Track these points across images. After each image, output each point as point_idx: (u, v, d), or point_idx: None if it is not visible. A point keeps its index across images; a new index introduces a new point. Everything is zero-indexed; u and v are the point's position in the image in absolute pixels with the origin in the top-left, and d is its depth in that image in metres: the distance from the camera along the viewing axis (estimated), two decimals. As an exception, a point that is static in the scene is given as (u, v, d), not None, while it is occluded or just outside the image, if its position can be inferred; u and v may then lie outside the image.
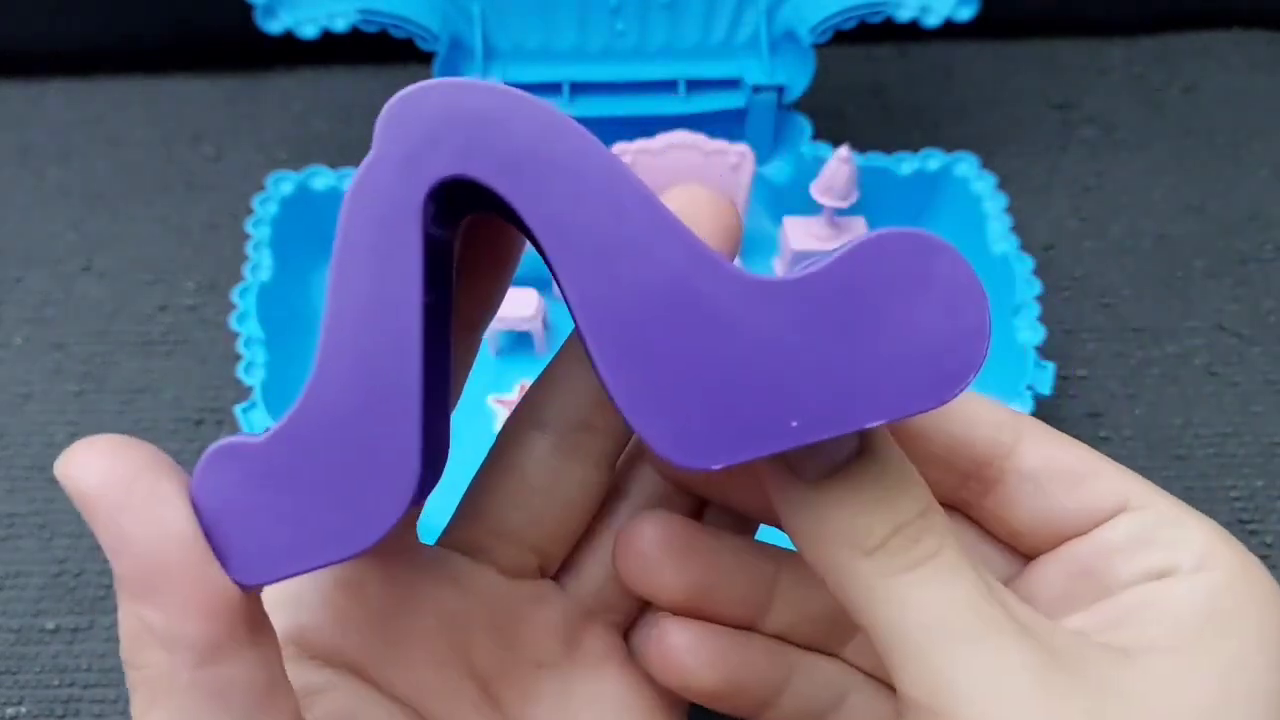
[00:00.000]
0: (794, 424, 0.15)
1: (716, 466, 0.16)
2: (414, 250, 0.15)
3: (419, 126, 0.15)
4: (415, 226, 0.15)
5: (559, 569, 0.21)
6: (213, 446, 0.15)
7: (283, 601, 0.19)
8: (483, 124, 0.15)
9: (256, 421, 0.34)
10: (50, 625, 0.35)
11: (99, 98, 0.52)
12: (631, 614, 0.21)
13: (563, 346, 0.20)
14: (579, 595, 0.21)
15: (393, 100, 0.15)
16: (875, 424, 0.16)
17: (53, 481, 0.38)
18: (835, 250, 0.16)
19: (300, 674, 0.18)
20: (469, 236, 0.18)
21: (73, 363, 0.42)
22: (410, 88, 0.15)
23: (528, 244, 0.18)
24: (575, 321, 0.15)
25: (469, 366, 0.20)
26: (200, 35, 0.52)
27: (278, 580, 0.16)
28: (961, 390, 0.16)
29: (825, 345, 0.15)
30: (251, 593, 0.16)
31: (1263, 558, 0.36)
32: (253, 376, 0.36)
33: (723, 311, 0.15)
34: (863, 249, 0.16)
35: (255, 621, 0.16)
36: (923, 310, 0.16)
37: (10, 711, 0.34)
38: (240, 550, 0.15)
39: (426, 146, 0.15)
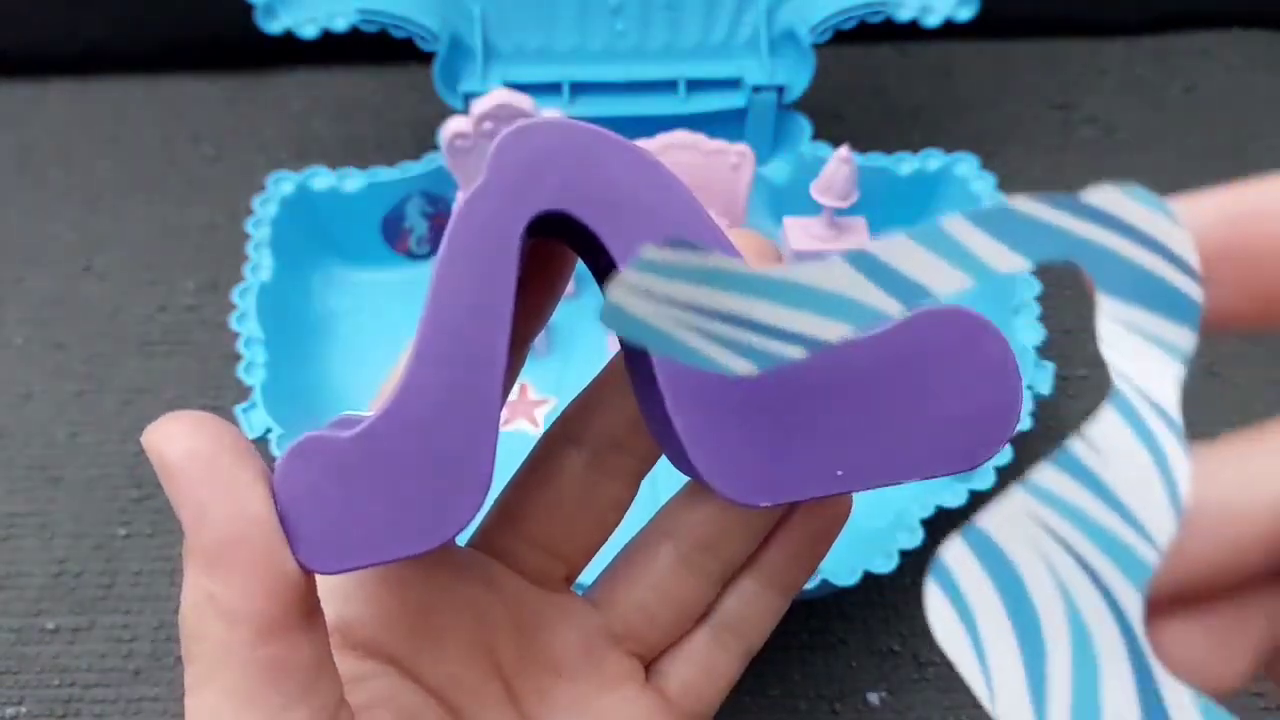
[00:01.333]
0: (839, 473, 0.17)
1: (764, 504, 0.17)
2: (510, 274, 0.16)
3: (526, 161, 0.16)
4: (514, 252, 0.16)
5: (596, 593, 0.22)
6: (300, 438, 0.16)
7: (329, 595, 0.19)
8: (584, 164, 0.16)
9: (256, 422, 0.34)
10: (50, 625, 0.35)
11: (99, 98, 0.52)
12: (657, 648, 0.22)
13: (605, 368, 0.21)
14: (608, 619, 0.21)
15: (505, 132, 0.16)
16: (911, 480, 0.17)
17: (53, 481, 0.38)
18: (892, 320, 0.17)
19: (343, 663, 0.19)
20: (526, 256, 0.19)
21: (73, 363, 0.42)
22: (523, 123, 0.16)
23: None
24: (652, 359, 0.16)
25: (515, 378, 0.20)
26: (200, 35, 0.52)
27: (345, 570, 0.17)
28: (990, 457, 0.17)
29: (875, 404, 0.17)
30: (310, 578, 0.16)
31: (1263, 558, 0.36)
32: (253, 376, 0.36)
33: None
34: (919, 321, 0.17)
35: (311, 606, 0.16)
36: (965, 383, 0.17)
37: (10, 711, 0.34)
38: (312, 538, 0.16)
39: (532, 180, 0.16)
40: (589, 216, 0.16)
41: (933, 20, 0.42)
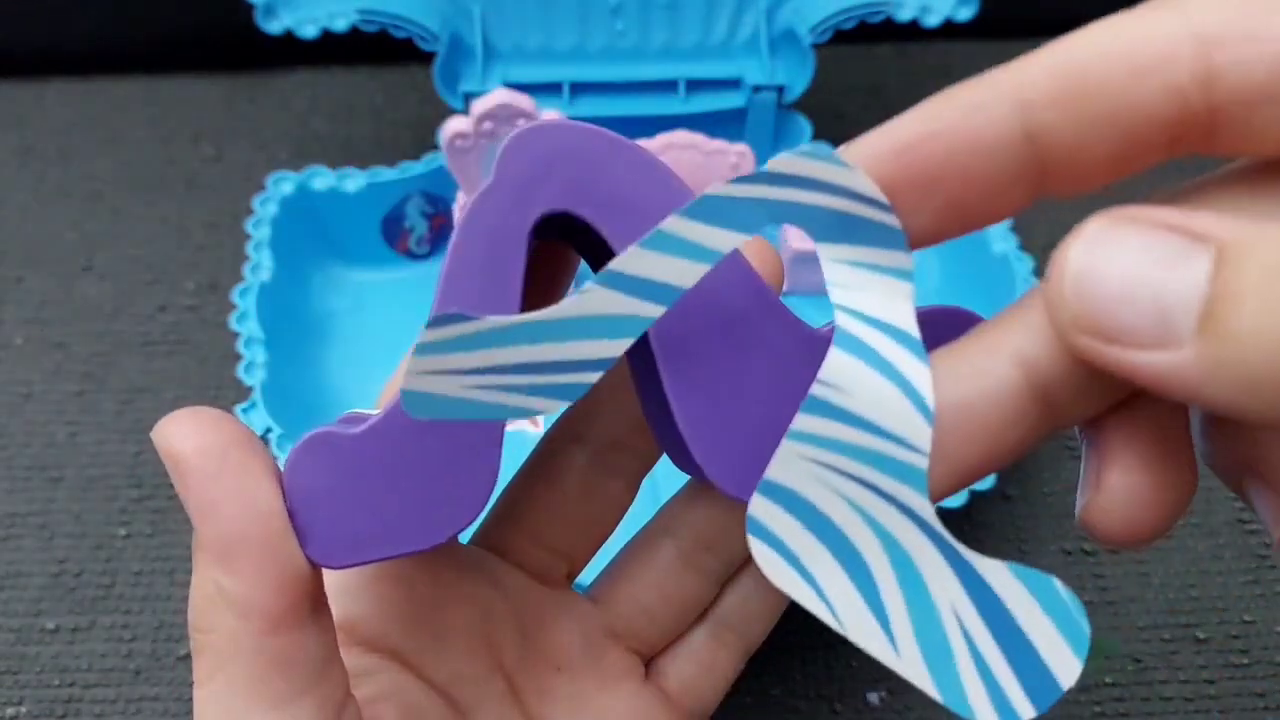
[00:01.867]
0: None
1: None
2: (517, 275, 0.16)
3: (533, 162, 0.16)
4: (521, 253, 0.16)
5: (597, 591, 0.22)
6: (309, 434, 0.16)
7: (334, 591, 0.19)
8: (590, 165, 0.16)
9: (256, 422, 0.34)
10: (50, 625, 0.35)
11: (99, 98, 0.52)
12: (656, 645, 0.22)
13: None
14: (608, 617, 0.21)
15: (512, 134, 0.16)
16: None
17: (53, 481, 0.38)
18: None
19: (347, 658, 0.19)
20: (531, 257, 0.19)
21: (73, 363, 0.42)
22: (529, 125, 0.16)
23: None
24: (654, 354, 0.17)
25: None
26: (200, 35, 0.52)
27: (351, 565, 0.17)
28: None
29: None
30: (317, 572, 0.17)
31: (1261, 558, 0.36)
32: (253, 376, 0.36)
33: (783, 359, 0.17)
34: (919, 321, 0.17)
35: (318, 600, 0.17)
36: None
37: (10, 711, 0.34)
38: (321, 532, 0.16)
39: (539, 181, 0.16)
40: (595, 217, 0.16)
41: (933, 20, 0.42)
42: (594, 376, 0.15)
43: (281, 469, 0.17)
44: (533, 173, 0.16)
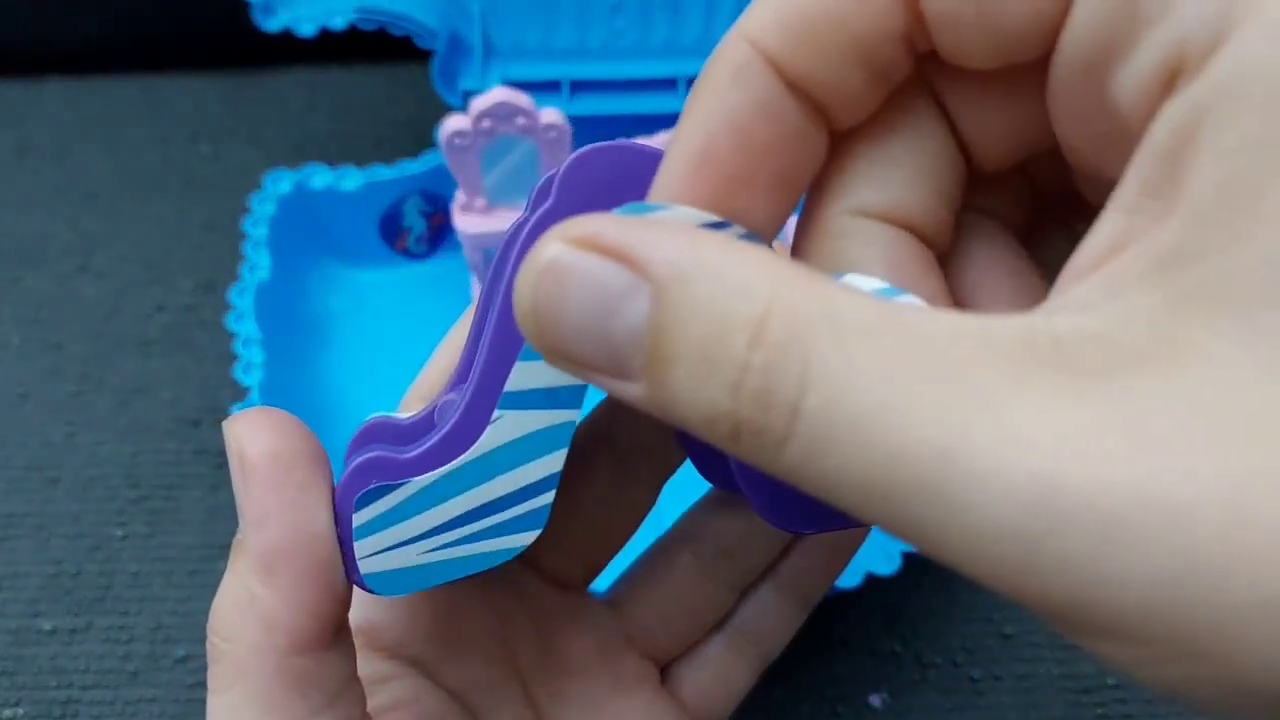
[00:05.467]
0: None
1: (809, 531, 0.18)
2: None
3: (594, 183, 0.16)
4: None
5: (614, 597, 0.22)
6: (362, 456, 0.16)
7: (356, 598, 0.19)
8: (648, 187, 0.16)
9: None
10: (48, 626, 0.35)
11: (97, 97, 0.52)
12: (672, 652, 0.22)
13: None
14: (625, 623, 0.21)
15: (574, 155, 0.16)
16: None
17: (50, 481, 0.38)
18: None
19: (367, 664, 0.19)
20: None
21: (70, 363, 0.42)
22: (591, 146, 0.16)
23: None
24: None
25: None
26: (198, 34, 0.52)
27: (401, 593, 0.17)
28: None
29: None
30: (349, 594, 0.17)
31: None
32: (250, 376, 0.36)
33: None
34: None
35: (343, 623, 0.17)
36: None
37: (8, 713, 0.33)
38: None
39: (599, 203, 0.16)
40: None
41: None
42: (547, 498, 0.15)
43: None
44: (593, 194, 0.16)
